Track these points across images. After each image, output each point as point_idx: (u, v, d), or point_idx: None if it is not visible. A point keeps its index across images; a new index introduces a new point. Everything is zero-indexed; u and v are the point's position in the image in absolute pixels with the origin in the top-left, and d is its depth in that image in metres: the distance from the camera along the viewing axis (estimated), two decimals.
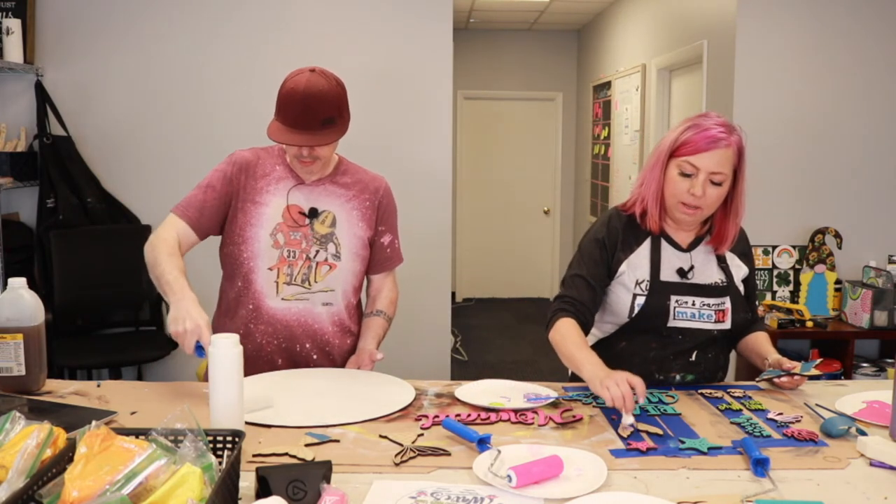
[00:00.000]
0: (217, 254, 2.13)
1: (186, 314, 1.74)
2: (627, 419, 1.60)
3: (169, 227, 1.99)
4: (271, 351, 2.05)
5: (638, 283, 1.90)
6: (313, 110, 1.91)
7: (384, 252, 2.18)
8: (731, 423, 1.67)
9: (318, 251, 2.05)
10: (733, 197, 1.89)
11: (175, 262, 1.90)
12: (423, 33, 3.97)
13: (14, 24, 3.60)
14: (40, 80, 3.77)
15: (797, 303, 3.84)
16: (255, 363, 2.01)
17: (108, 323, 4.03)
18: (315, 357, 2.08)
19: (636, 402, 1.62)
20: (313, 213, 2.06)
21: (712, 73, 4.17)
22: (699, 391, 1.89)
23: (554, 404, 1.77)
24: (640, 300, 1.89)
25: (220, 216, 2.05)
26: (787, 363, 1.87)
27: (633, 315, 1.90)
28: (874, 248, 3.89)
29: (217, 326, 2.09)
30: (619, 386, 1.61)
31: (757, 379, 1.93)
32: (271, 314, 2.04)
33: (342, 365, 2.09)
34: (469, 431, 1.52)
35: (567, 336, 1.83)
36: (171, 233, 1.98)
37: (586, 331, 1.91)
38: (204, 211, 2.02)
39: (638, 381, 1.63)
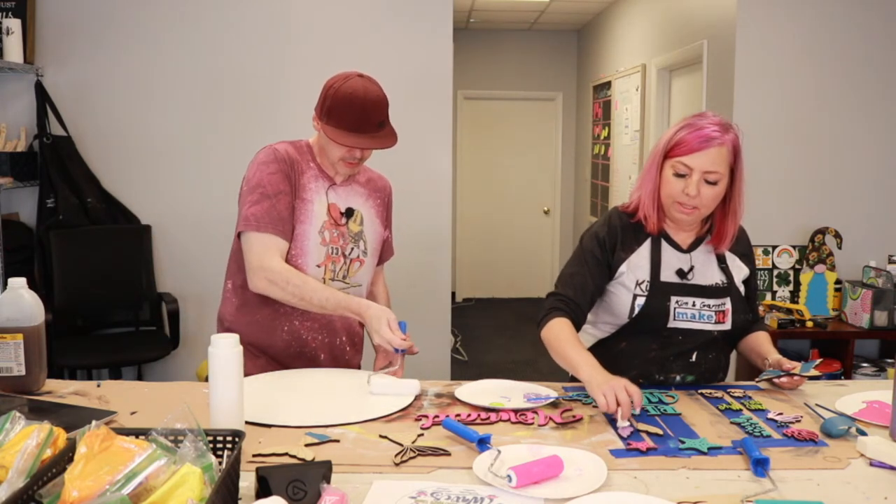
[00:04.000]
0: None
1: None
2: (622, 423, 1.60)
3: (267, 253, 1.95)
4: (316, 346, 2.09)
5: (638, 284, 1.90)
6: (371, 114, 1.97)
7: (383, 247, 2.27)
8: (731, 423, 1.67)
9: (352, 249, 2.11)
10: (731, 196, 1.89)
11: (319, 283, 1.96)
12: (423, 33, 3.97)
13: (14, 24, 3.60)
14: (40, 80, 3.77)
15: (797, 303, 3.84)
16: (298, 358, 2.06)
17: (108, 323, 4.03)
18: (348, 349, 2.15)
19: (634, 412, 1.63)
20: (350, 213, 2.12)
21: (712, 73, 4.17)
22: (699, 391, 1.89)
23: (554, 404, 1.77)
24: (641, 301, 1.89)
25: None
26: (787, 363, 1.87)
27: (634, 316, 1.90)
28: (874, 248, 3.89)
29: (242, 322, 2.06)
30: (618, 394, 1.61)
31: (757, 379, 1.93)
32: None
33: (362, 351, 2.20)
34: (469, 431, 1.52)
35: (561, 335, 1.83)
36: (273, 257, 1.94)
37: (577, 330, 1.90)
38: (289, 221, 1.99)
39: (636, 391, 1.63)
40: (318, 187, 2.07)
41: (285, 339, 2.06)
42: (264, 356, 2.07)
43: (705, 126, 1.82)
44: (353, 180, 2.14)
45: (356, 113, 1.95)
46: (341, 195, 2.10)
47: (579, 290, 1.92)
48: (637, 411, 1.64)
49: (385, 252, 2.28)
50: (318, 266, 2.04)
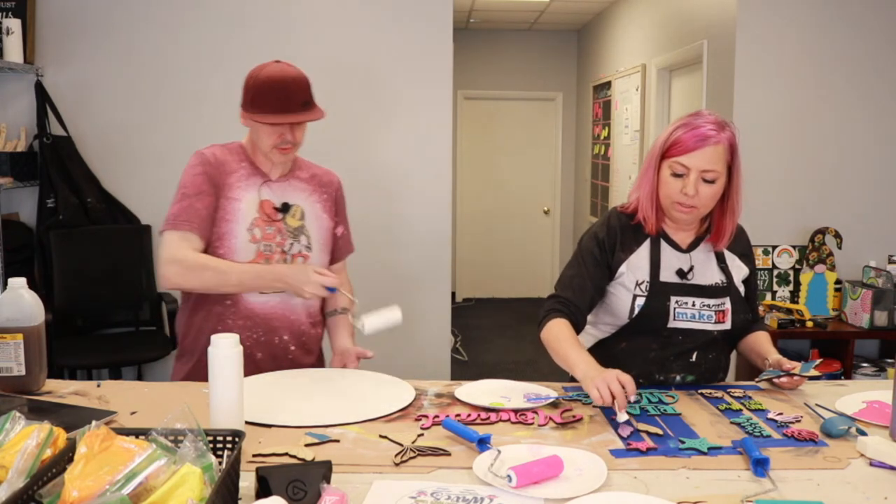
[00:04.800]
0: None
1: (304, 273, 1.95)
2: (621, 416, 1.60)
3: (180, 246, 1.96)
4: (250, 345, 2.07)
5: (638, 284, 1.90)
6: (293, 93, 2.00)
7: (338, 242, 2.26)
8: (731, 423, 1.67)
9: (292, 244, 2.10)
10: (729, 194, 1.89)
11: (234, 263, 2.00)
12: (423, 33, 3.97)
13: (14, 24, 3.60)
14: (40, 80, 3.77)
15: (797, 303, 3.84)
16: None
17: (108, 323, 4.03)
18: (293, 348, 2.11)
19: (629, 400, 1.63)
20: (285, 208, 2.11)
21: (712, 73, 4.17)
22: (699, 391, 1.89)
23: (554, 404, 1.77)
24: (640, 301, 1.89)
25: (214, 220, 2.05)
26: (787, 363, 1.87)
27: (633, 316, 1.90)
28: (874, 248, 3.89)
29: (187, 324, 2.11)
30: (610, 385, 1.61)
31: (756, 379, 1.93)
32: (250, 308, 2.06)
33: (317, 353, 2.17)
34: (469, 431, 1.52)
35: (560, 336, 1.83)
36: (186, 249, 1.96)
37: (577, 332, 1.90)
38: (206, 218, 2.00)
39: (628, 380, 1.63)
40: (250, 185, 2.08)
41: None
42: (200, 360, 2.04)
43: (701, 125, 1.82)
44: (292, 176, 2.14)
45: (278, 94, 1.99)
46: (276, 191, 2.10)
47: (578, 292, 1.92)
48: (632, 399, 1.64)
49: (341, 248, 2.27)
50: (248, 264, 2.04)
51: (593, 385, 1.63)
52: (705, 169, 1.81)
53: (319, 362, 2.22)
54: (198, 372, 2.03)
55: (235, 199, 2.05)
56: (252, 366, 2.04)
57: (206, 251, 2.01)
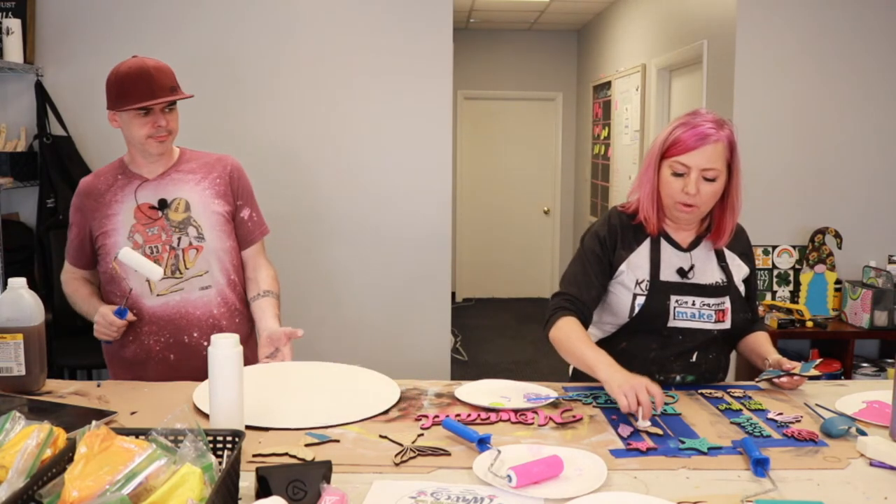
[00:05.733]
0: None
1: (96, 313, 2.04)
2: (643, 424, 1.60)
3: (66, 274, 2.23)
4: (160, 349, 2.10)
5: (638, 283, 1.90)
6: (158, 79, 2.03)
7: (246, 226, 2.23)
8: (731, 423, 1.67)
9: (179, 238, 2.10)
10: (729, 191, 1.89)
11: (81, 294, 2.16)
12: (423, 33, 3.96)
13: (14, 24, 3.60)
14: (40, 80, 3.77)
15: (797, 303, 3.84)
16: (147, 364, 2.08)
17: None
18: (206, 343, 2.06)
19: (656, 410, 1.63)
20: (163, 204, 2.11)
21: (712, 73, 4.17)
22: (699, 391, 1.89)
23: (554, 404, 1.77)
24: (641, 300, 1.89)
25: (90, 247, 2.15)
26: (787, 363, 1.87)
27: (634, 315, 1.90)
28: (874, 248, 3.89)
29: (113, 344, 2.15)
30: (639, 394, 1.60)
31: (756, 379, 1.93)
32: (151, 313, 2.09)
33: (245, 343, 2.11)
34: (469, 431, 1.52)
35: (572, 334, 1.82)
36: (69, 278, 2.21)
37: (585, 328, 1.90)
38: (77, 249, 2.17)
39: (657, 390, 1.63)
40: (126, 194, 2.11)
41: (133, 349, 2.10)
42: (123, 368, 2.12)
43: (700, 124, 1.82)
44: (172, 171, 2.14)
45: (142, 82, 2.01)
46: (152, 190, 2.12)
47: (584, 288, 1.91)
48: (658, 411, 1.64)
49: (250, 231, 2.23)
50: (137, 271, 2.05)
51: (621, 392, 1.62)
52: (706, 167, 1.81)
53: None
54: (128, 375, 2.09)
55: (112, 213, 2.10)
56: (167, 368, 2.08)
57: (100, 269, 2.15)
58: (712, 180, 1.83)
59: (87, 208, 2.13)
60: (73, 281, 2.20)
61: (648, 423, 1.60)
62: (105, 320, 1.99)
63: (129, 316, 2.00)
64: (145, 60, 2.06)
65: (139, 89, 2.01)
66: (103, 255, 2.11)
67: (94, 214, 2.12)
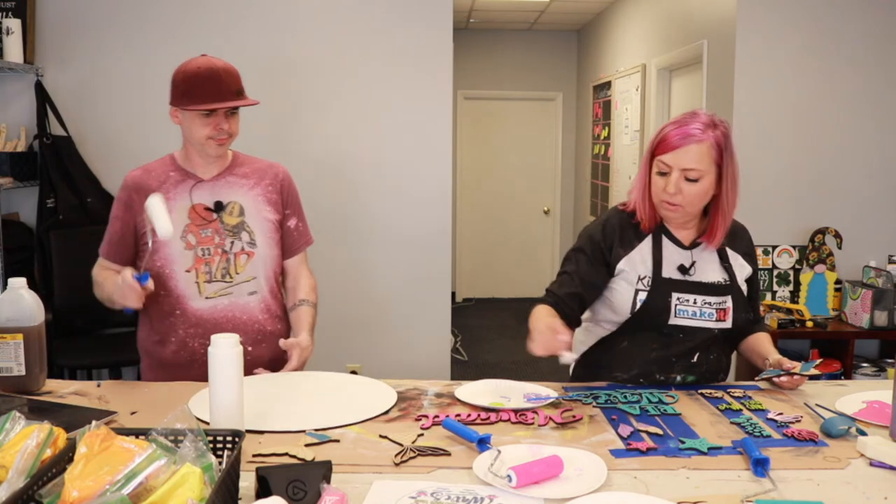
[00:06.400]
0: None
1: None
2: (564, 358, 1.67)
3: (98, 268, 2.13)
4: (204, 353, 2.05)
5: (640, 279, 1.90)
6: (225, 81, 2.01)
7: (292, 235, 2.22)
8: (731, 423, 1.67)
9: (232, 242, 2.08)
10: (720, 193, 1.88)
11: (111, 279, 2.01)
12: (423, 33, 3.97)
13: (14, 24, 3.60)
14: (40, 80, 3.77)
15: (797, 303, 3.84)
16: (191, 367, 2.04)
17: (108, 323, 4.02)
18: (250, 349, 2.05)
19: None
20: (219, 207, 2.09)
21: (712, 73, 4.17)
22: (699, 391, 1.88)
23: (554, 404, 1.77)
24: (643, 295, 1.89)
25: (133, 242, 2.10)
26: (788, 363, 1.87)
27: (635, 311, 1.90)
28: (874, 248, 3.89)
29: (146, 342, 2.13)
30: (548, 342, 1.67)
31: (757, 378, 1.93)
32: (198, 315, 2.06)
33: (277, 350, 2.06)
34: (469, 431, 1.52)
35: (536, 314, 1.84)
36: (100, 269, 2.11)
37: (568, 325, 1.85)
38: (116, 243, 2.10)
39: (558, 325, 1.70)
40: (179, 192, 2.07)
41: (173, 350, 2.07)
42: (161, 368, 2.08)
43: (688, 123, 1.82)
44: (227, 173, 2.12)
45: (209, 83, 1.98)
46: (208, 191, 2.09)
47: (567, 287, 1.93)
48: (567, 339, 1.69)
49: (295, 240, 2.22)
50: (188, 271, 2.05)
51: (536, 346, 1.69)
52: (687, 167, 1.81)
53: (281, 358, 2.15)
54: (165, 376, 2.04)
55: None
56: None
57: (136, 265, 2.05)
58: (695, 181, 1.82)
59: (136, 203, 2.05)
60: (104, 270, 2.11)
61: (571, 358, 1.68)
62: (126, 282, 1.88)
63: (150, 283, 1.90)
64: (214, 61, 2.03)
65: (206, 90, 1.98)
66: (149, 252, 2.04)
67: (139, 210, 2.04)
